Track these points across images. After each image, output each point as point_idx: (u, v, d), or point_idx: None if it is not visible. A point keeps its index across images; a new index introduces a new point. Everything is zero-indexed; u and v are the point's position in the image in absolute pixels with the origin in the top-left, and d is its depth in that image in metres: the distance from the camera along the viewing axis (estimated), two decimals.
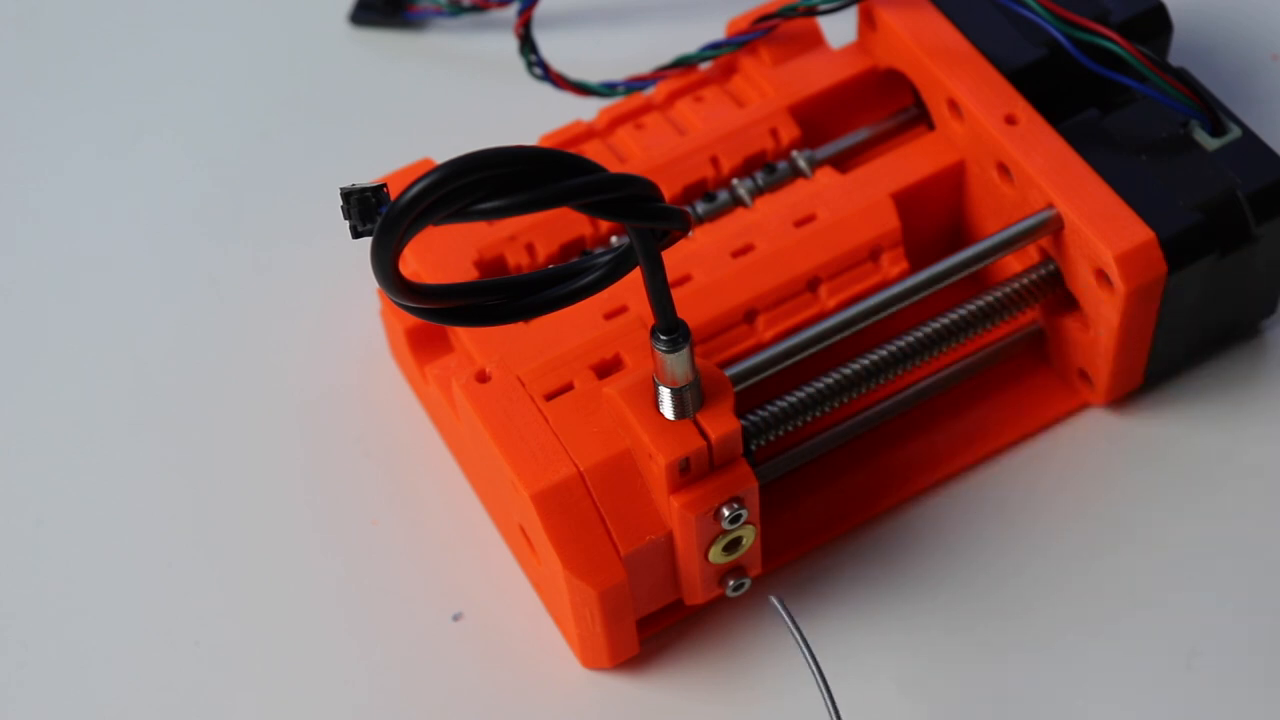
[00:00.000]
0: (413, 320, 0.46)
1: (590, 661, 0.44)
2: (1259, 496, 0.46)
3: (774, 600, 0.40)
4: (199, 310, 0.53)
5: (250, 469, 0.49)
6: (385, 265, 0.32)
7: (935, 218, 0.48)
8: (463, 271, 0.46)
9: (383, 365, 0.50)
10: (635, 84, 0.50)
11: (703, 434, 0.40)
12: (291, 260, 0.53)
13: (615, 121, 0.49)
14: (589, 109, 0.52)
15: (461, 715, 0.44)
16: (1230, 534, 0.46)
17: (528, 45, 0.51)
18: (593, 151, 0.48)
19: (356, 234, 0.33)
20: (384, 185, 0.33)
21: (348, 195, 0.33)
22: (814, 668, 0.39)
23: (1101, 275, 0.44)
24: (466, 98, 0.57)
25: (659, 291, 0.36)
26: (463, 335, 0.45)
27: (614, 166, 0.48)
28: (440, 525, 0.47)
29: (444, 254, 0.46)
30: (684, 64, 0.50)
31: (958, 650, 0.44)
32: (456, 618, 0.45)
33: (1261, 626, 0.44)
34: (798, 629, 0.40)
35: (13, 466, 0.50)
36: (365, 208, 0.33)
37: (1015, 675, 0.43)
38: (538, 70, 0.52)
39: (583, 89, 0.51)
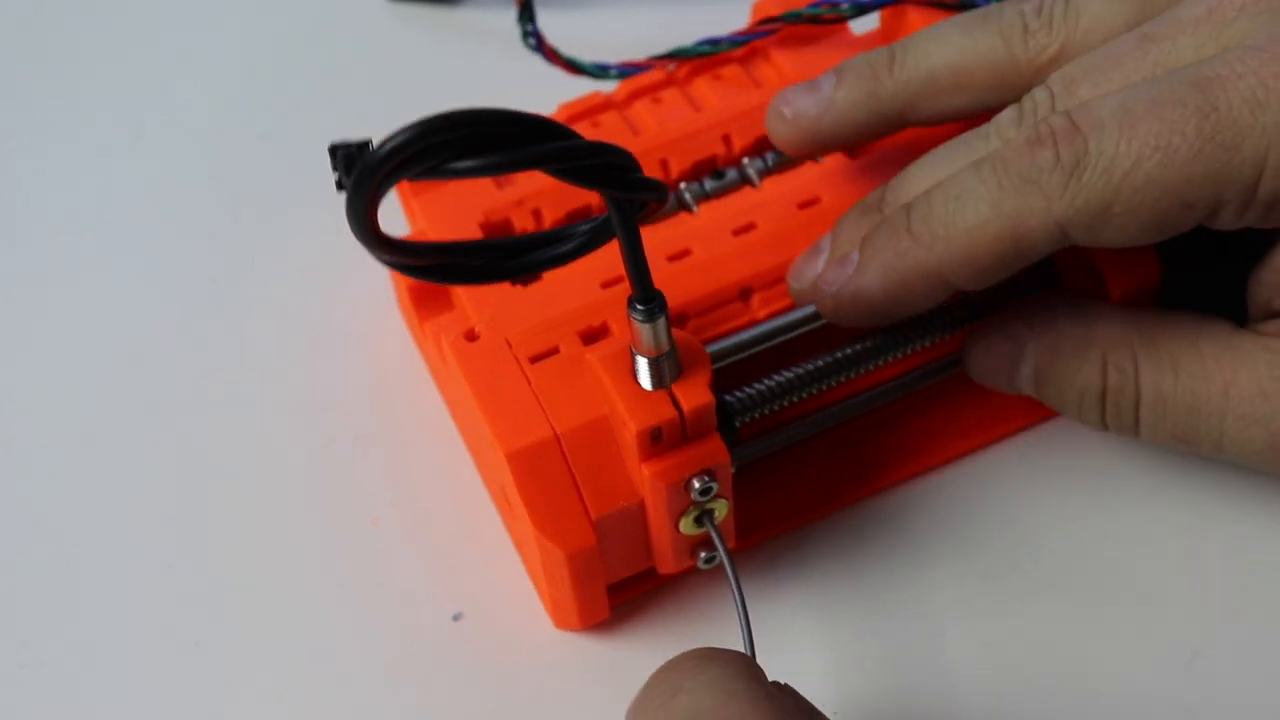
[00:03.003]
0: None
1: (562, 623, 0.44)
2: (1260, 495, 0.46)
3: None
4: (199, 310, 0.53)
5: (250, 468, 0.49)
6: (360, 217, 0.33)
7: None
8: (468, 232, 0.46)
9: (383, 364, 0.50)
10: (629, 69, 0.51)
11: (676, 405, 0.40)
12: (292, 260, 0.53)
13: (634, 95, 0.50)
14: (608, 79, 0.52)
15: (461, 715, 0.44)
16: (1231, 533, 0.45)
17: (526, 13, 0.51)
18: (608, 122, 0.49)
19: (340, 187, 0.33)
20: (368, 141, 0.33)
21: (334, 151, 0.33)
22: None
23: (1096, 274, 0.44)
24: (501, 72, 0.56)
25: (636, 261, 0.37)
26: (461, 294, 0.45)
27: (627, 138, 0.48)
28: (441, 525, 0.47)
29: (452, 214, 0.47)
30: (678, 57, 0.50)
31: (951, 642, 0.44)
32: (456, 618, 0.46)
33: (1262, 627, 0.44)
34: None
35: (12, 466, 0.50)
36: (350, 163, 0.33)
37: (1014, 675, 0.43)
38: (531, 41, 0.51)
39: (574, 67, 0.51)
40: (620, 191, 0.35)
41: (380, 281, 0.51)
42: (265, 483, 0.49)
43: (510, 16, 0.53)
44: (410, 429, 0.49)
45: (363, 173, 0.32)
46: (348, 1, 0.60)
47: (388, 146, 0.32)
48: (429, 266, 0.36)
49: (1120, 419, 0.42)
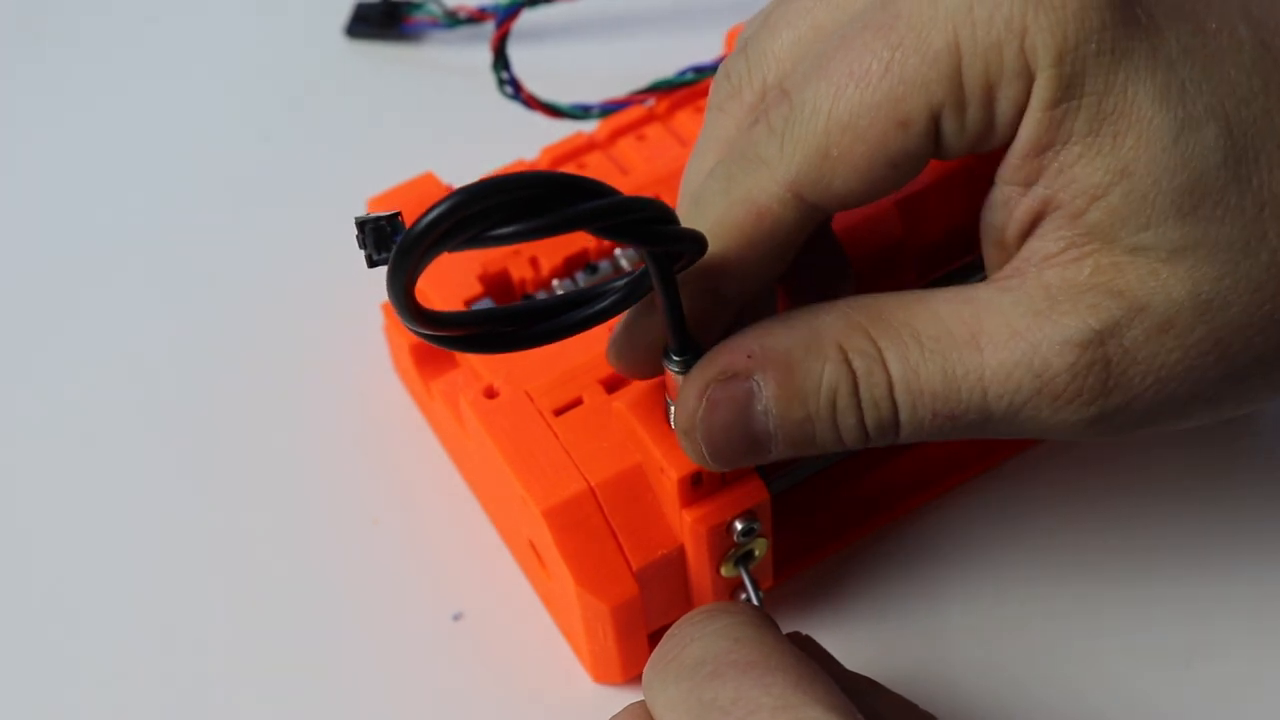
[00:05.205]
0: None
1: (602, 676, 0.44)
2: (1258, 496, 0.46)
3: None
4: (200, 315, 0.53)
5: (251, 468, 0.49)
6: (401, 293, 0.32)
7: (944, 220, 0.48)
8: (467, 286, 0.46)
9: (383, 365, 0.51)
10: (610, 106, 0.50)
11: None
12: (292, 266, 0.54)
13: (617, 133, 0.49)
14: (590, 119, 0.52)
15: (462, 715, 0.44)
16: (1230, 533, 0.46)
17: (500, 61, 0.51)
18: (594, 163, 0.49)
19: (372, 263, 0.33)
20: (398, 213, 0.33)
21: (362, 225, 0.32)
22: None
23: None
24: (464, 109, 0.57)
25: (674, 315, 0.36)
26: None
27: (616, 178, 0.48)
28: (440, 525, 0.47)
29: (449, 268, 0.46)
30: (660, 88, 0.50)
31: (967, 655, 0.44)
32: (456, 618, 0.46)
33: (1262, 626, 0.44)
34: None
35: (13, 467, 0.50)
36: (380, 236, 0.32)
37: (1019, 678, 0.44)
38: (508, 89, 0.51)
39: (554, 110, 0.51)
40: (661, 245, 0.34)
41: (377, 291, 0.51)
42: (266, 482, 0.49)
43: (473, 52, 0.53)
44: (411, 428, 0.49)
45: (402, 249, 0.32)
46: (306, 38, 0.60)
47: (426, 220, 0.32)
48: (467, 336, 0.35)
49: (879, 413, 0.37)
